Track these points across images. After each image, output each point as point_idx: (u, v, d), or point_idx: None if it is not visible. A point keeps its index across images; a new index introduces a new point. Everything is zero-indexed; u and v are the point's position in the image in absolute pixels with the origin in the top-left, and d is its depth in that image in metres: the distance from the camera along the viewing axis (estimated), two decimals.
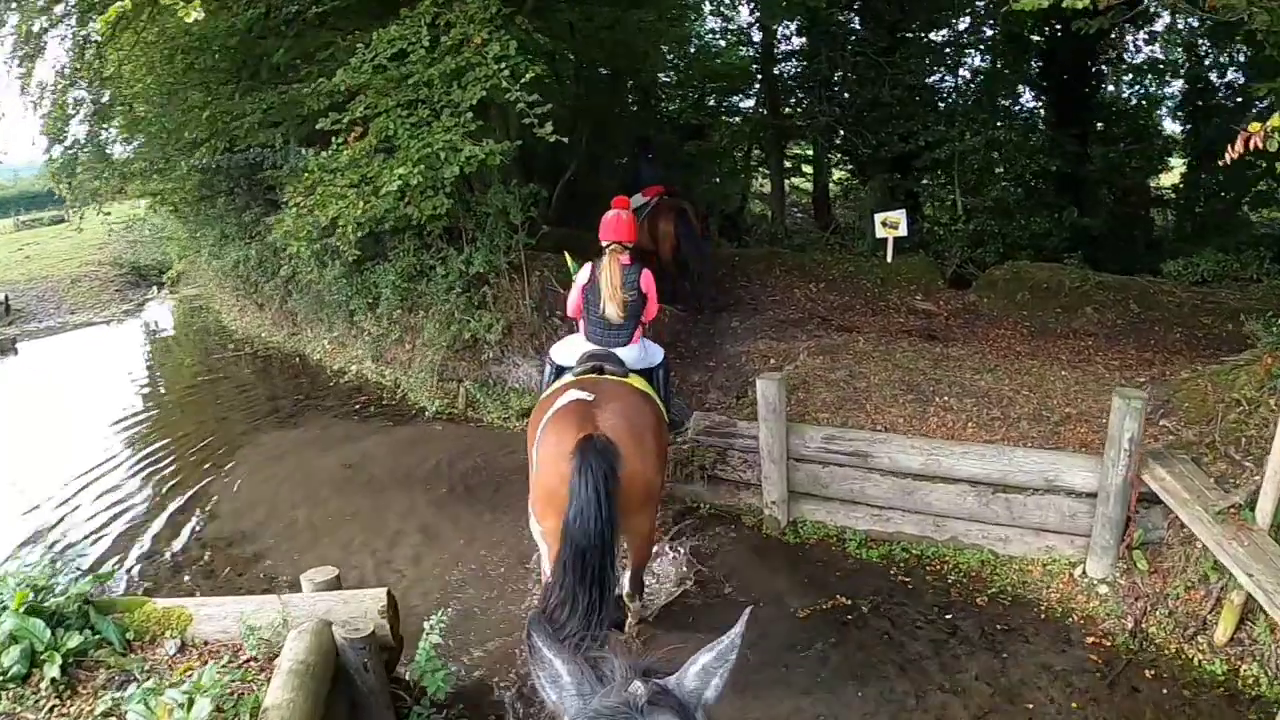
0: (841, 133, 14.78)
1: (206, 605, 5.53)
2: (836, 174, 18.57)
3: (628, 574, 6.47)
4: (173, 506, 9.66)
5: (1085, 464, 7.14)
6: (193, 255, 20.00)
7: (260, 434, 11.65)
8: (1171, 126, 17.06)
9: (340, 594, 5.52)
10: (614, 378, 6.36)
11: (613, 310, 6.69)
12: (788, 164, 18.46)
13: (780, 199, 17.37)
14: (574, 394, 5.91)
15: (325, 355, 14.26)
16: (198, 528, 9.18)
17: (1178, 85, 17.13)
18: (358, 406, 12.21)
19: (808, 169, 19.38)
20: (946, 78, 14.83)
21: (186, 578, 8.18)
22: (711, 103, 19.31)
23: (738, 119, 19.53)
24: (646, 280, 6.96)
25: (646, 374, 6.92)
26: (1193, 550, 6.54)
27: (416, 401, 11.90)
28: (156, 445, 11.52)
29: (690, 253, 12.34)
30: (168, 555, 8.66)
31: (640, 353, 6.98)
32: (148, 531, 9.14)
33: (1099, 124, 15.95)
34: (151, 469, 10.76)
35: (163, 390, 14.89)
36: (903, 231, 12.87)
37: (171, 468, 10.74)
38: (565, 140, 8.80)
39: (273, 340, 16.06)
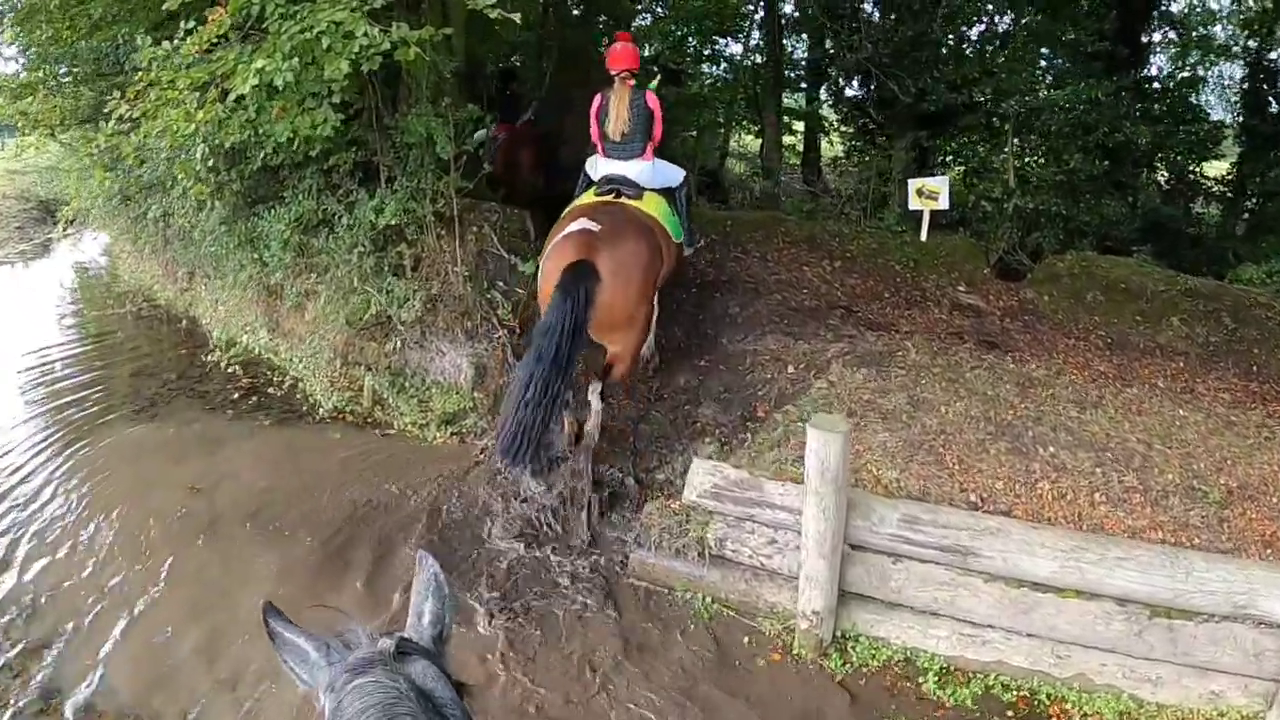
0: (870, 81, 11.04)
1: None
2: (837, 132, 15.10)
3: (600, 379, 6.57)
4: None
5: None
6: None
7: (105, 430, 7.98)
8: (1221, 112, 13.90)
9: None
10: (628, 202, 6.63)
11: (621, 129, 6.85)
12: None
13: (777, 156, 13.88)
14: (582, 223, 6.17)
15: (215, 320, 10.47)
16: None
17: (1227, 68, 14.01)
18: (236, 395, 8.59)
19: (798, 125, 15.87)
20: (1001, 18, 11.23)
21: None
22: (694, 45, 15.68)
23: (723, 65, 15.99)
24: (651, 100, 7.01)
25: (667, 194, 7.03)
26: None
27: (310, 393, 8.33)
28: None
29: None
30: None
31: (653, 171, 7.03)
32: None
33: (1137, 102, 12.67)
34: None
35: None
36: (943, 204, 9.53)
37: None
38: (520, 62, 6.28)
39: (162, 296, 12.14)
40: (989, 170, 10.66)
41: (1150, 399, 7.16)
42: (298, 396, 8.42)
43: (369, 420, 7.94)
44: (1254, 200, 13.14)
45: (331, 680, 1.70)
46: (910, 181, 9.68)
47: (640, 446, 6.92)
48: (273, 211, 8.61)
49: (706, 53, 16.00)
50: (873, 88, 10.45)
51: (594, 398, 6.59)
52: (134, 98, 6.26)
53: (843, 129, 14.46)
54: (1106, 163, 10.19)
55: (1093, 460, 5.98)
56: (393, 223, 7.40)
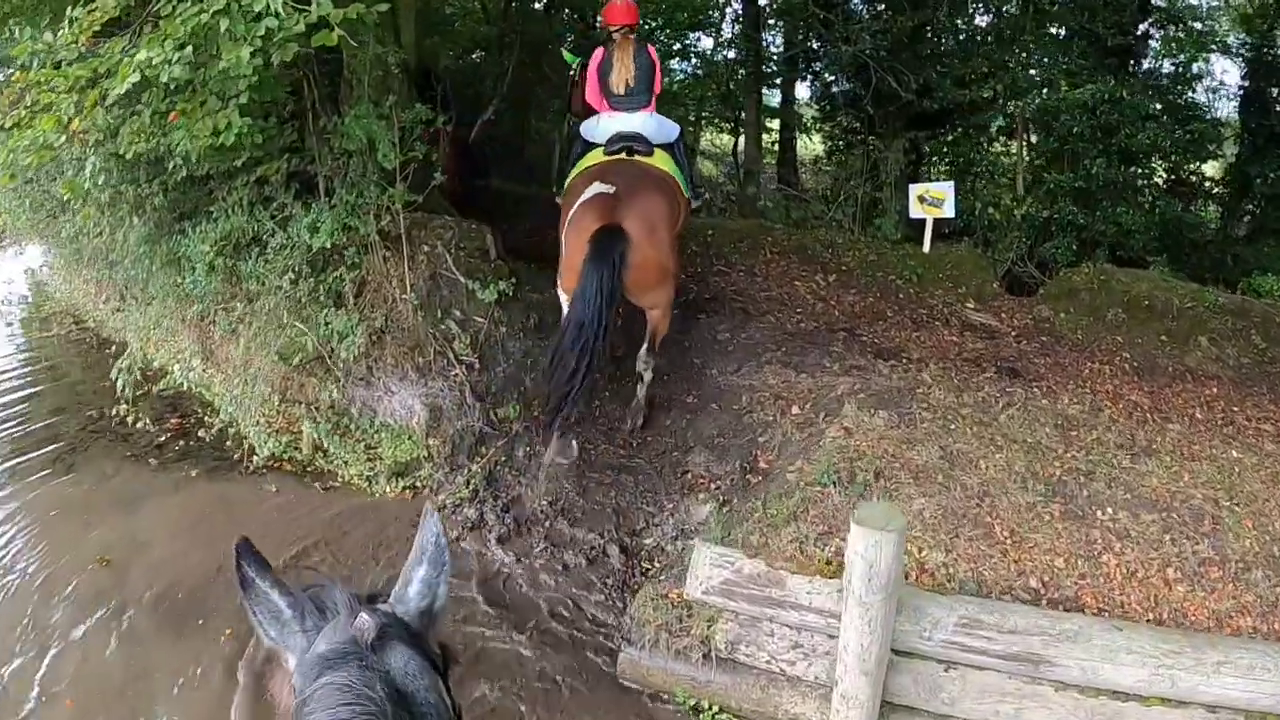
0: (865, 76, 9.86)
1: None
2: (819, 130, 14.05)
3: (645, 344, 6.43)
4: None
5: None
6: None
7: (11, 483, 6.76)
8: (1215, 111, 12.99)
9: None
10: (641, 159, 6.51)
11: (626, 81, 6.71)
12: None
13: (758, 158, 12.80)
14: (598, 187, 6.09)
15: (148, 345, 9.16)
16: None
17: (1221, 65, 13.15)
18: (164, 438, 7.38)
19: (773, 123, 14.79)
20: (1009, 6, 10.15)
21: None
22: (663, 39, 14.60)
23: (694, 60, 14.89)
24: (652, 52, 6.96)
25: (668, 149, 6.84)
26: None
27: (245, 436, 7.14)
28: None
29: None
30: None
31: (657, 124, 6.89)
32: None
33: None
34: None
35: None
36: (948, 211, 8.58)
37: None
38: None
39: (93, 317, 10.76)
40: (996, 174, 9.64)
41: (1198, 438, 6.25)
42: (230, 441, 7.24)
43: (310, 470, 6.80)
44: (1256, 203, 12.30)
45: (300, 662, 1.56)
46: (912, 187, 8.71)
47: (623, 503, 5.87)
48: (197, 229, 7.41)
49: (676, 47, 14.97)
50: (872, 83, 9.38)
51: (643, 367, 6.49)
52: (12, 102, 5.14)
53: (825, 127, 13.41)
54: (1133, 169, 9.29)
55: (1158, 524, 5.05)
56: (328, 244, 6.25)
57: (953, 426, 5.69)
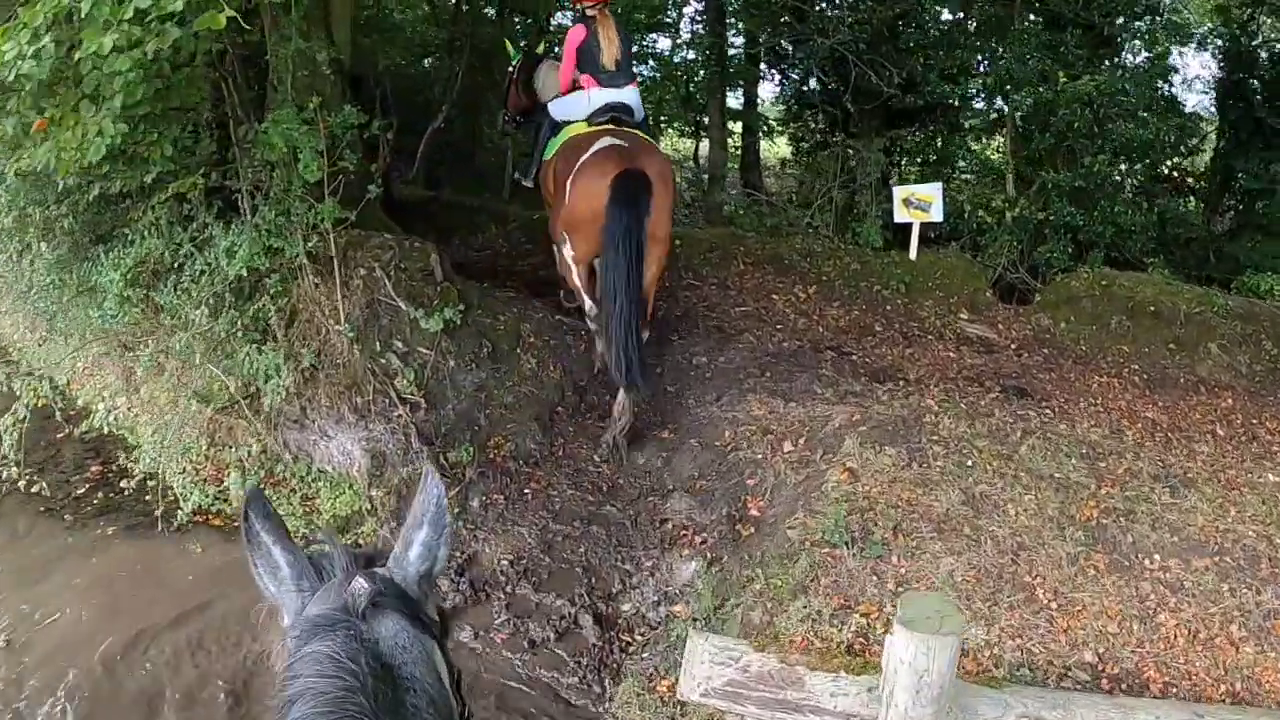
0: (842, 71, 9.04)
1: None
2: (785, 132, 13.30)
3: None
4: None
5: None
6: None
7: None
8: (1192, 105, 12.48)
9: None
10: (629, 130, 6.38)
11: (615, 57, 6.56)
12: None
13: (722, 162, 12.02)
14: (609, 140, 6.03)
15: (73, 379, 8.17)
16: None
17: (1196, 58, 12.65)
18: (83, 489, 6.46)
19: (734, 125, 14.04)
20: None
21: None
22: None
23: (652, 62, 14.12)
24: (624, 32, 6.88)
25: (640, 128, 6.67)
26: None
27: (170, 485, 6.22)
28: None
29: None
30: None
31: (638, 99, 6.83)
32: None
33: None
34: None
35: None
36: (935, 215, 7.87)
37: None
38: None
39: (19, 348, 9.71)
40: (984, 174, 8.90)
41: (1229, 460, 5.72)
42: (154, 492, 6.34)
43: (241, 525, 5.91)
44: (1238, 198, 11.77)
45: (293, 620, 1.55)
46: (896, 189, 7.99)
47: (594, 560, 5.07)
48: (110, 255, 6.51)
49: (634, 50, 14.19)
50: (850, 78, 8.61)
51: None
52: None
53: (791, 128, 12.68)
54: (1135, 165, 8.66)
55: (1213, 571, 4.40)
56: (244, 271, 5.39)
57: (970, 463, 4.98)
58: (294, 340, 5.75)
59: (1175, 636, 4.02)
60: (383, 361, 5.60)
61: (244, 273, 5.37)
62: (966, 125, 10.12)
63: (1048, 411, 6.06)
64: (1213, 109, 12.67)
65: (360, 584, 1.50)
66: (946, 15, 9.45)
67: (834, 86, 8.78)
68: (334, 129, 5.43)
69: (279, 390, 5.41)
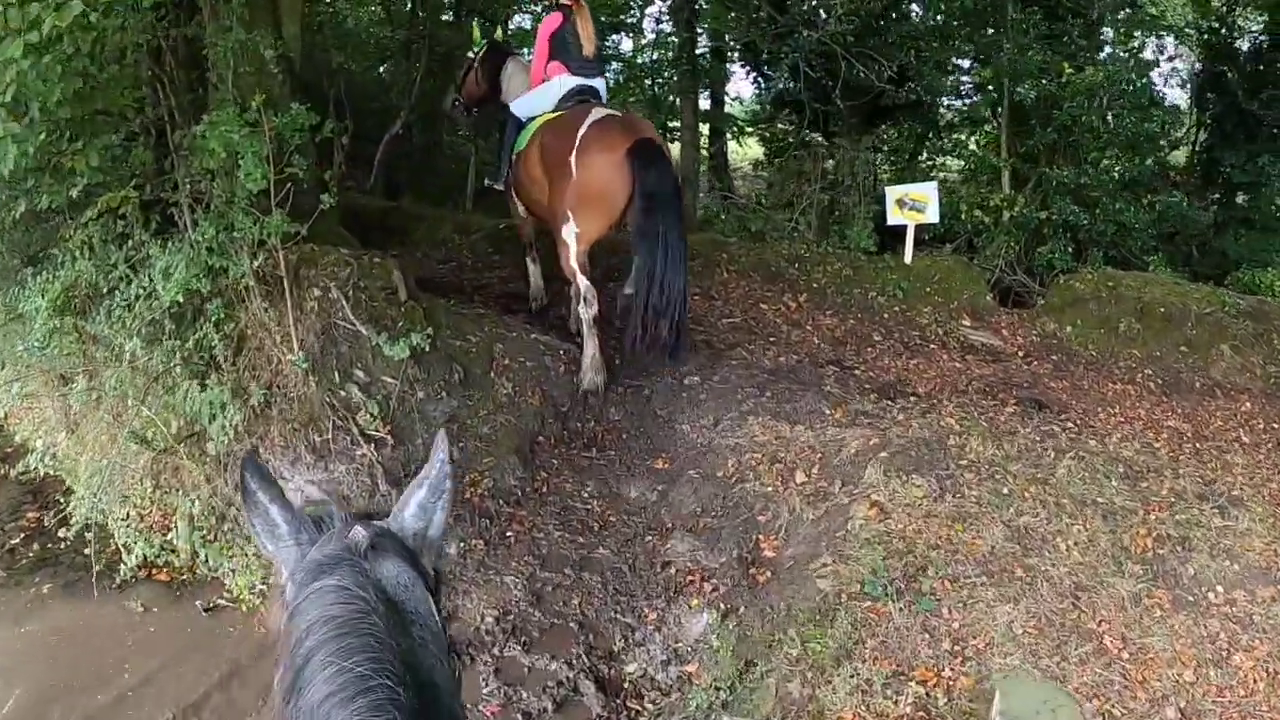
0: (829, 66, 8.44)
1: None
2: (759, 132, 12.73)
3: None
4: None
5: None
6: None
7: None
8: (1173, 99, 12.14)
9: None
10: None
11: (591, 47, 6.44)
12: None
13: (694, 165, 11.41)
14: (602, 111, 5.99)
15: (10, 413, 7.38)
16: None
17: (1174, 50, 12.33)
18: (19, 539, 5.72)
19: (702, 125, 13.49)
20: None
21: None
22: None
23: (616, 65, 13.54)
24: None
25: None
26: None
27: (113, 533, 5.50)
28: None
29: None
30: None
31: (605, 93, 6.71)
32: None
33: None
34: None
35: None
36: (930, 216, 7.40)
37: None
38: None
39: None
40: (979, 171, 8.39)
41: (1267, 471, 5.45)
42: (96, 541, 5.63)
43: (189, 580, 5.27)
44: (1222, 191, 11.44)
45: (294, 569, 1.55)
46: (889, 190, 7.49)
47: (590, 613, 4.48)
48: (37, 279, 5.80)
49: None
50: (840, 73, 8.01)
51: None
52: None
53: (765, 129, 12.14)
54: (1148, 160, 8.20)
55: None
56: (179, 298, 4.72)
57: (1006, 490, 4.47)
58: (242, 372, 5.09)
59: (1253, 679, 3.56)
60: (342, 394, 4.96)
61: (181, 298, 4.69)
62: (958, 121, 9.62)
63: (1071, 425, 5.60)
64: (1187, 102, 12.42)
65: (359, 529, 1.52)
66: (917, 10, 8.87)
67: (825, 82, 8.20)
68: (281, 131, 4.77)
69: (225, 431, 4.75)
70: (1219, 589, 4.02)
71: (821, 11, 8.16)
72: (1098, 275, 7.37)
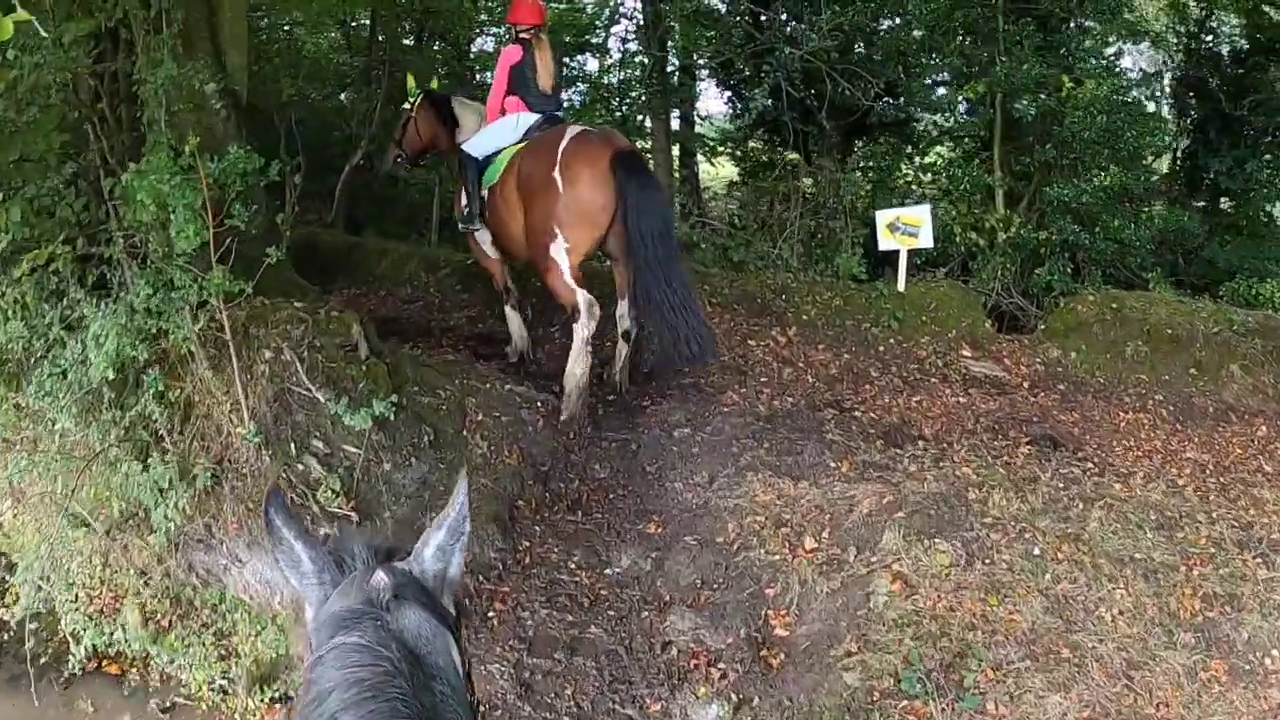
0: (813, 84, 8.02)
1: None
2: (731, 153, 12.29)
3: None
4: None
5: None
6: None
7: None
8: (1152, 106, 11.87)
9: None
10: None
11: (551, 82, 6.35)
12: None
13: (668, 187, 10.93)
14: (577, 129, 5.94)
15: None
16: None
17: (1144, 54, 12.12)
18: None
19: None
20: None
21: None
22: None
23: (583, 85, 13.10)
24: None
25: None
26: None
27: (60, 616, 4.96)
28: None
29: None
30: None
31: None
32: None
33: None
34: None
35: None
36: (924, 241, 7.03)
37: None
38: None
39: None
40: (972, 192, 7.97)
41: None
42: (43, 629, 5.09)
43: (142, 673, 4.78)
44: (1206, 199, 11.18)
45: (317, 611, 1.54)
46: (880, 214, 7.08)
47: (584, 704, 4.00)
48: None
49: (564, 74, 13.21)
50: (827, 91, 7.58)
51: (630, 324, 6.07)
52: None
53: (732, 147, 11.72)
54: (1153, 176, 7.89)
55: None
56: (109, 372, 4.20)
57: (1037, 551, 4.07)
58: (190, 445, 4.58)
59: None
60: (300, 468, 4.45)
61: (113, 368, 4.17)
62: (940, 137, 9.23)
63: (1090, 465, 5.26)
64: (1167, 109, 12.18)
65: (381, 577, 1.49)
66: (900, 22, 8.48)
67: (809, 101, 7.79)
68: (218, 178, 4.27)
69: (170, 517, 4.24)
70: (1274, 653, 3.63)
71: (805, 28, 7.73)
72: (1100, 297, 7.01)
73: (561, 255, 5.71)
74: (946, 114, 8.54)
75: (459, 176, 6.68)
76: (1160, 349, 6.80)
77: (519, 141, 6.16)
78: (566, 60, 13.92)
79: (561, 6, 13.03)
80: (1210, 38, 10.93)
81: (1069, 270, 7.42)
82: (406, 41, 12.44)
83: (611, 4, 12.67)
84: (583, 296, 5.74)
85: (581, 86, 13.55)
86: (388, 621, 1.44)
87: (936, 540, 4.07)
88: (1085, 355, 6.76)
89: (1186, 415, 6.37)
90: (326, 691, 1.35)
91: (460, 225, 6.70)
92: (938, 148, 9.57)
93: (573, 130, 5.87)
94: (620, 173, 5.53)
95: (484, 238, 6.51)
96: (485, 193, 6.29)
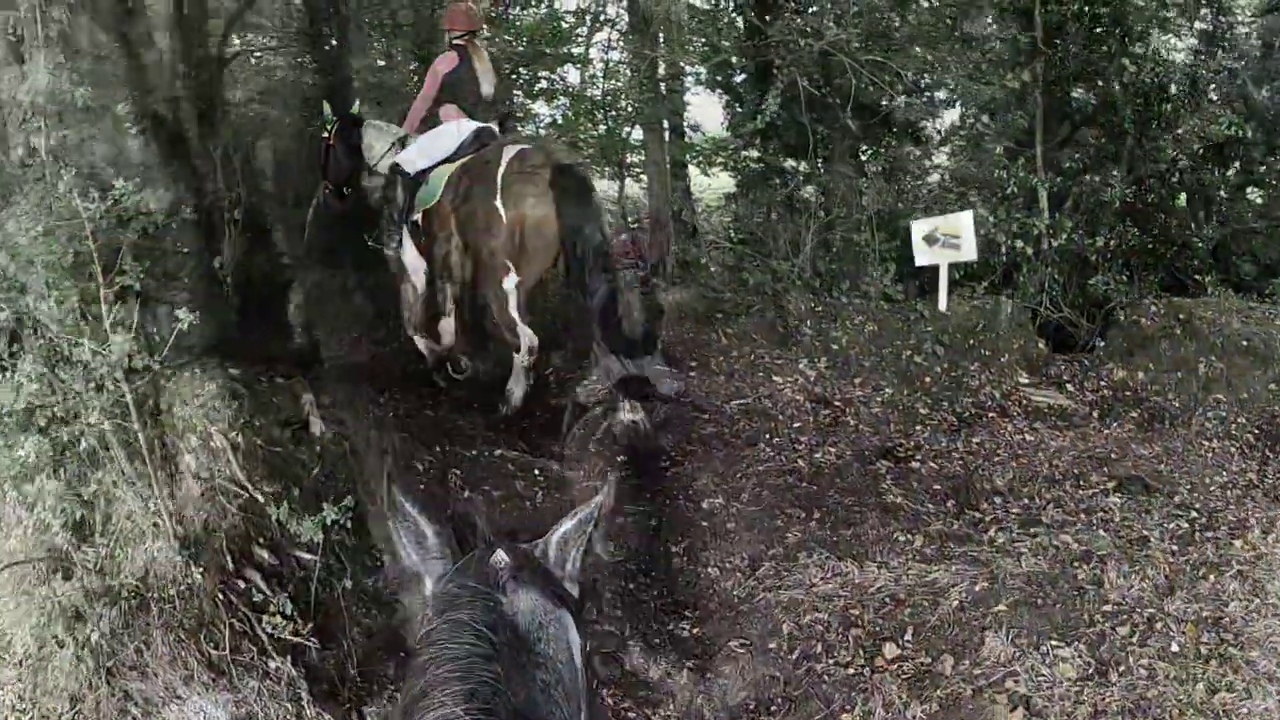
0: (832, 79, 7.04)
1: None
2: (720, 164, 11.38)
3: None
4: None
5: None
6: None
7: None
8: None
9: None
10: None
11: (490, 87, 6.26)
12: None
13: (665, 205, 9.98)
14: (515, 148, 5.76)
15: None
16: None
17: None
18: None
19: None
20: None
21: None
22: (524, 78, 11.98)
23: (563, 99, 12.22)
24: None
25: None
26: None
27: None
28: None
29: None
30: None
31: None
32: None
33: None
34: None
35: None
36: (968, 253, 6.16)
37: None
38: None
39: None
40: (1013, 193, 6.99)
41: None
42: None
43: None
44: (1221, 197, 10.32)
45: (434, 588, 1.48)
46: (915, 224, 6.20)
47: None
48: None
49: (541, 87, 12.38)
50: (852, 87, 6.58)
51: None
52: None
53: (732, 158, 10.82)
54: (1230, 170, 6.96)
55: None
56: None
57: (1175, 647, 3.17)
58: (104, 561, 3.62)
59: None
60: (240, 585, 3.50)
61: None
62: (982, 137, 8.26)
63: (1194, 513, 4.42)
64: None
65: (501, 556, 1.45)
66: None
67: (830, 99, 6.84)
68: (110, 218, 3.27)
69: (83, 660, 3.28)
70: None
71: (825, 18, 6.77)
72: (1164, 307, 6.14)
73: (511, 287, 5.63)
74: (985, 106, 7.60)
75: (384, 197, 6.27)
76: (1236, 364, 5.97)
77: (455, 155, 5.97)
78: (545, 73, 13.20)
79: (542, 12, 12.24)
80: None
81: (1126, 280, 6.49)
82: (380, 63, 11.70)
83: (593, 10, 11.76)
84: (526, 334, 5.66)
85: (563, 100, 12.79)
86: (500, 602, 1.40)
87: (1054, 643, 3.18)
88: (1154, 375, 5.92)
89: (1274, 439, 5.51)
90: (421, 667, 1.31)
91: (386, 247, 6.28)
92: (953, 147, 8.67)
93: (511, 149, 5.71)
94: (555, 190, 5.46)
95: (409, 257, 6.18)
96: (419, 216, 6.05)
